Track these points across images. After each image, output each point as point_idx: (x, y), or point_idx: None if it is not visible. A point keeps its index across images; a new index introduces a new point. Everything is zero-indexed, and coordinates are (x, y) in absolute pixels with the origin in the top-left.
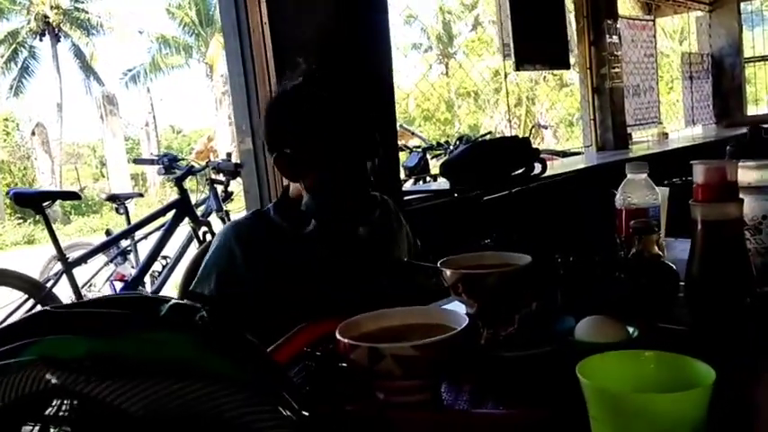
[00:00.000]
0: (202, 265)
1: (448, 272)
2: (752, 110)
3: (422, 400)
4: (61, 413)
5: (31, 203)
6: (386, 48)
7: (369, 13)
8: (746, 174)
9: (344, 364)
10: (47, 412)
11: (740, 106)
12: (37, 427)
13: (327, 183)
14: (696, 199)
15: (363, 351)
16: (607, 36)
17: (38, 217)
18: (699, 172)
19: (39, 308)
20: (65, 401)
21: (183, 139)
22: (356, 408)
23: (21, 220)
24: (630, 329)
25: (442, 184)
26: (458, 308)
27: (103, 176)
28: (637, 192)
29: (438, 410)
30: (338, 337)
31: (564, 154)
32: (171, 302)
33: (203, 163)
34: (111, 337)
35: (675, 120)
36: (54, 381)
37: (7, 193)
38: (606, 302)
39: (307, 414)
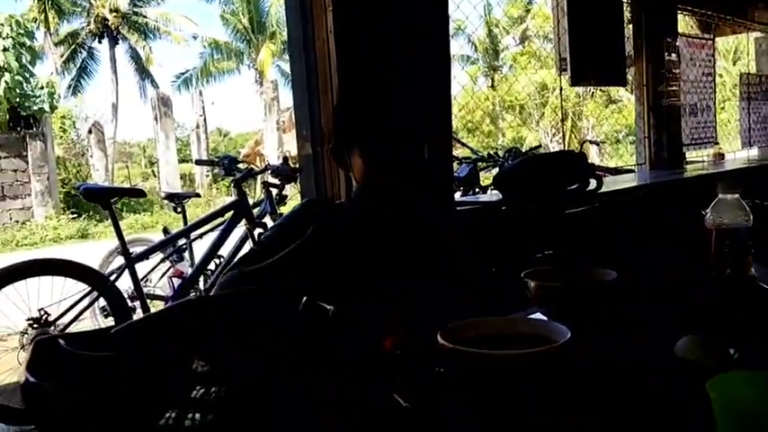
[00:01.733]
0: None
1: (532, 283)
2: None
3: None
4: (211, 397)
5: (100, 199)
6: (445, 58)
7: (431, 25)
8: None
9: (442, 369)
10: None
11: None
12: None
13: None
14: None
15: (467, 356)
16: (666, 54)
17: (91, 212)
18: None
19: (102, 300)
20: (217, 387)
21: (229, 142)
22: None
23: (75, 215)
24: (731, 350)
25: (492, 195)
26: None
27: (154, 176)
28: (728, 212)
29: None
30: (440, 341)
31: (616, 171)
32: (305, 299)
33: (262, 166)
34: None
35: (726, 140)
36: (209, 368)
37: (77, 188)
38: (702, 322)
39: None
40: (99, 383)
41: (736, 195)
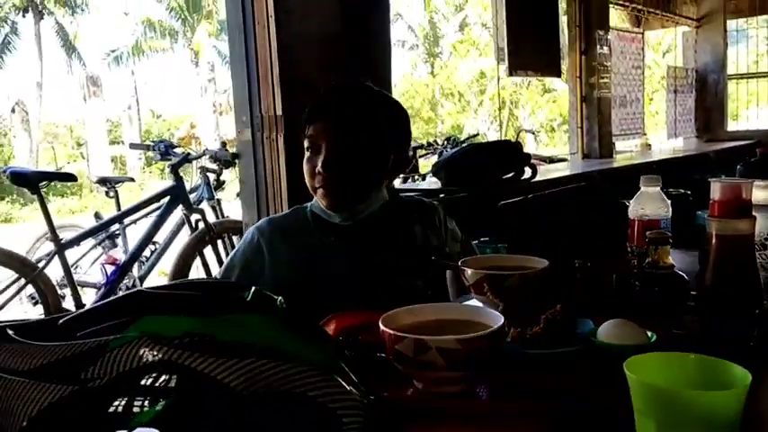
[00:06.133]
0: (229, 257)
1: (469, 271)
2: (732, 125)
3: (459, 390)
4: (160, 386)
5: (28, 183)
6: (386, 45)
7: (371, 11)
8: (757, 192)
9: (383, 354)
10: (146, 384)
11: (722, 121)
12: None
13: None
14: (712, 214)
15: (409, 342)
16: (598, 46)
17: (15, 196)
18: (716, 189)
19: (30, 288)
20: (166, 375)
21: (163, 124)
22: (396, 395)
23: None
24: (649, 334)
25: (431, 183)
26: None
27: (83, 157)
28: (650, 204)
29: (473, 400)
30: (382, 327)
31: (551, 160)
32: (253, 289)
33: (197, 149)
34: (206, 318)
35: (654, 130)
36: (159, 356)
37: (3, 172)
38: (622, 308)
39: (373, 397)
40: (43, 372)
41: (657, 188)
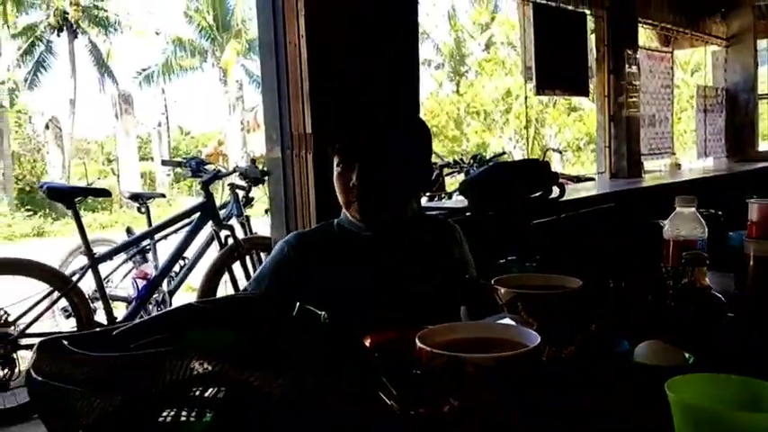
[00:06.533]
0: (260, 269)
1: (503, 290)
2: (763, 145)
3: (495, 409)
4: (209, 398)
5: (64, 198)
6: (414, 65)
7: (400, 32)
8: None
9: (419, 371)
10: (196, 396)
11: (752, 141)
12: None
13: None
14: (750, 235)
15: (446, 359)
16: (626, 65)
17: (47, 210)
18: (753, 210)
19: (63, 301)
20: (215, 387)
21: (191, 141)
22: (431, 412)
23: (31, 213)
24: (687, 355)
25: (458, 202)
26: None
27: (113, 173)
28: (685, 224)
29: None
30: (419, 344)
31: (578, 179)
32: (298, 305)
33: (224, 165)
34: (254, 332)
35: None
36: (209, 368)
37: (41, 187)
38: (657, 328)
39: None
40: (100, 382)
41: (693, 209)
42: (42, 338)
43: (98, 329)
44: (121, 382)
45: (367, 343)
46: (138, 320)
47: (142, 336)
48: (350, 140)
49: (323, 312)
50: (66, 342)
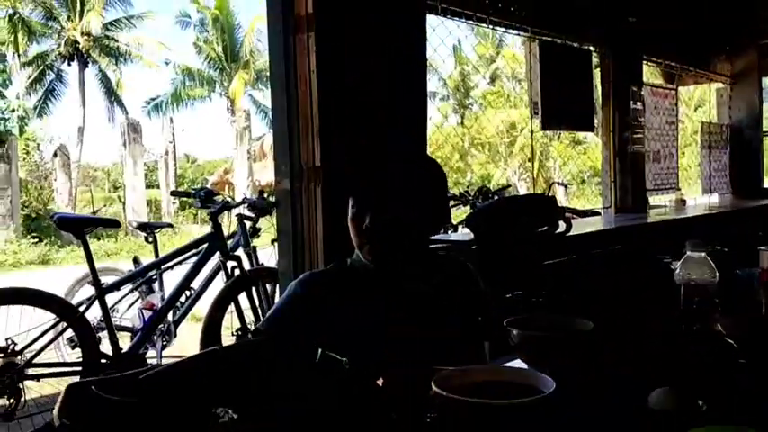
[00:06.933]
0: (273, 308)
1: (515, 331)
2: None
3: None
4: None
5: (74, 228)
6: (422, 100)
7: (409, 67)
8: None
9: (434, 415)
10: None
11: (757, 178)
12: None
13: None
14: (762, 281)
15: (462, 404)
16: (631, 102)
17: (53, 237)
18: (765, 258)
19: (69, 330)
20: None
21: (197, 169)
22: None
23: (36, 240)
24: (700, 402)
25: (463, 235)
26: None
27: (119, 201)
28: (696, 269)
29: None
30: (435, 388)
31: (584, 213)
32: (321, 351)
33: (230, 194)
34: (277, 377)
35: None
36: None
37: (52, 217)
38: (672, 375)
39: None
40: (125, 427)
41: (704, 254)
42: (71, 383)
43: (126, 372)
44: (145, 427)
45: (380, 383)
46: (163, 365)
47: (164, 380)
48: (363, 192)
49: (344, 359)
50: (94, 387)
